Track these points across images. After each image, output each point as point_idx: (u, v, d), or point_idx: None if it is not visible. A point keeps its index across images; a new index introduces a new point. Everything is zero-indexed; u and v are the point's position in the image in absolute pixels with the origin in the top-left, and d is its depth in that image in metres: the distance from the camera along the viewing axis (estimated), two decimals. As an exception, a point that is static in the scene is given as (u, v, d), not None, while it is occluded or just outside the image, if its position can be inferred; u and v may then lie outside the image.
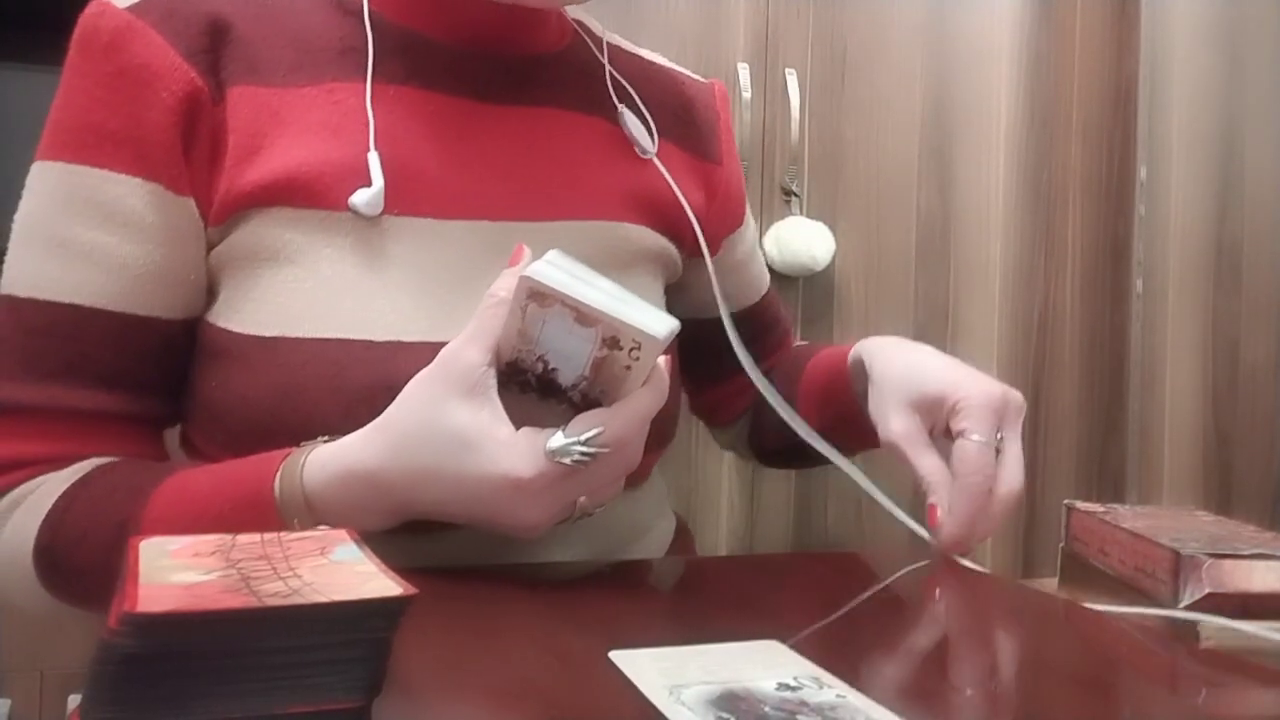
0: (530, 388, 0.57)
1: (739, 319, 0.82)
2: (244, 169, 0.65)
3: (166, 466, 0.63)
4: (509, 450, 0.54)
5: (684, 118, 0.83)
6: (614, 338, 0.53)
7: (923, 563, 0.70)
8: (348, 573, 0.40)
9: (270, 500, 0.57)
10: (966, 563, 0.69)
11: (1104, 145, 1.33)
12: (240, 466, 0.60)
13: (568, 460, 0.53)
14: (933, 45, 1.28)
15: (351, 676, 0.37)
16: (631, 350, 0.53)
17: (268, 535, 0.45)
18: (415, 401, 0.56)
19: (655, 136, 0.79)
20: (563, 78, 0.76)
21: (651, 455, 0.75)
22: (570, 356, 0.55)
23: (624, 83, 0.80)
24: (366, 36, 0.69)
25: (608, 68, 0.79)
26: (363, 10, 0.70)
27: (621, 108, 0.78)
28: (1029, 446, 1.27)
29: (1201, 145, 1.36)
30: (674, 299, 0.83)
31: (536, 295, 0.53)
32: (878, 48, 1.28)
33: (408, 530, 0.59)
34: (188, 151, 0.65)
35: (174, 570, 0.39)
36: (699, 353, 0.84)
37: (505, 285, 0.56)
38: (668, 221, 0.78)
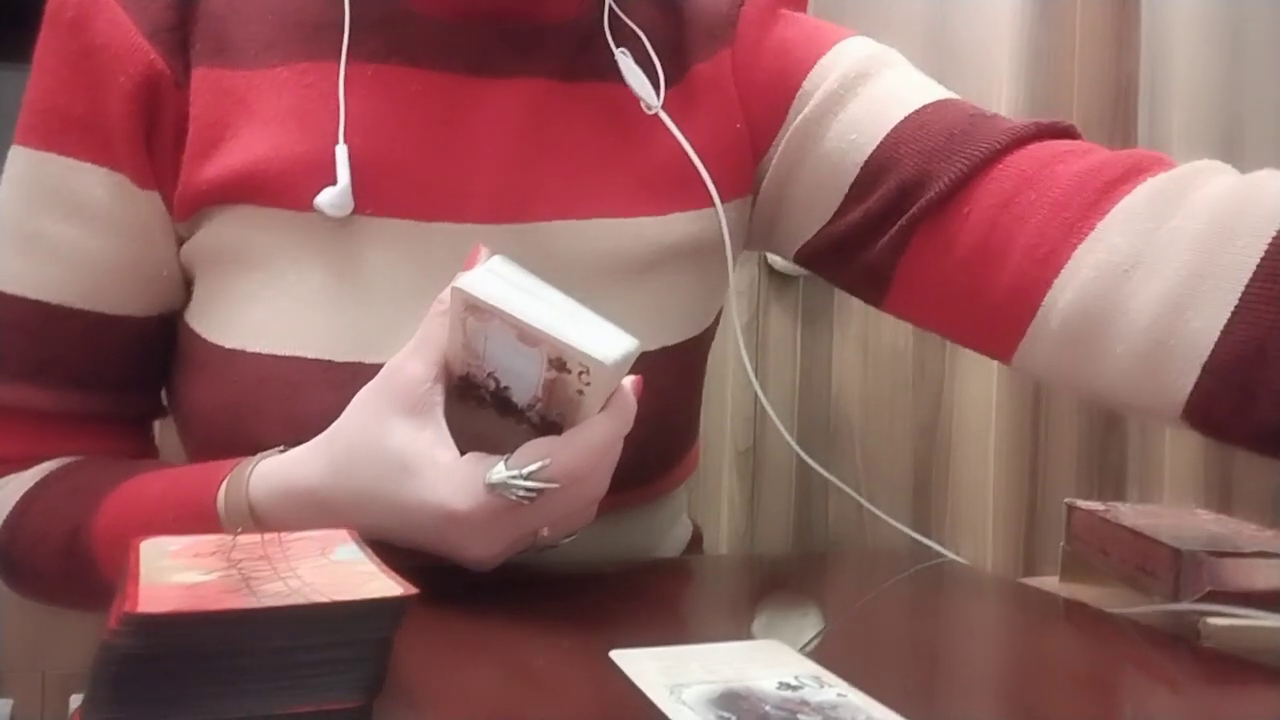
0: (487, 404, 0.52)
1: (874, 165, 0.63)
2: (203, 162, 0.60)
3: (127, 468, 0.60)
4: (446, 479, 0.49)
5: (714, 31, 0.70)
6: (560, 359, 0.48)
7: (925, 564, 0.70)
8: (348, 572, 0.40)
9: (213, 512, 0.54)
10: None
11: (1104, 143, 1.33)
12: (188, 474, 0.57)
13: (510, 495, 0.48)
14: (933, 44, 1.28)
15: (352, 676, 0.37)
16: (581, 374, 0.48)
17: (268, 535, 0.45)
18: (358, 417, 0.52)
19: (663, 83, 0.67)
20: (573, 45, 0.66)
21: (669, 475, 0.71)
22: (520, 375, 0.50)
23: (632, 25, 0.68)
24: (345, 10, 0.62)
25: (608, 4, 0.67)
26: None
27: (622, 54, 0.66)
28: (1029, 445, 1.28)
29: (1202, 143, 1.36)
30: (786, 225, 0.69)
31: (473, 309, 0.48)
32: (878, 47, 1.28)
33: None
34: (149, 141, 0.60)
35: (174, 570, 0.39)
36: (853, 254, 0.65)
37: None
38: (703, 185, 0.67)
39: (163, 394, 0.68)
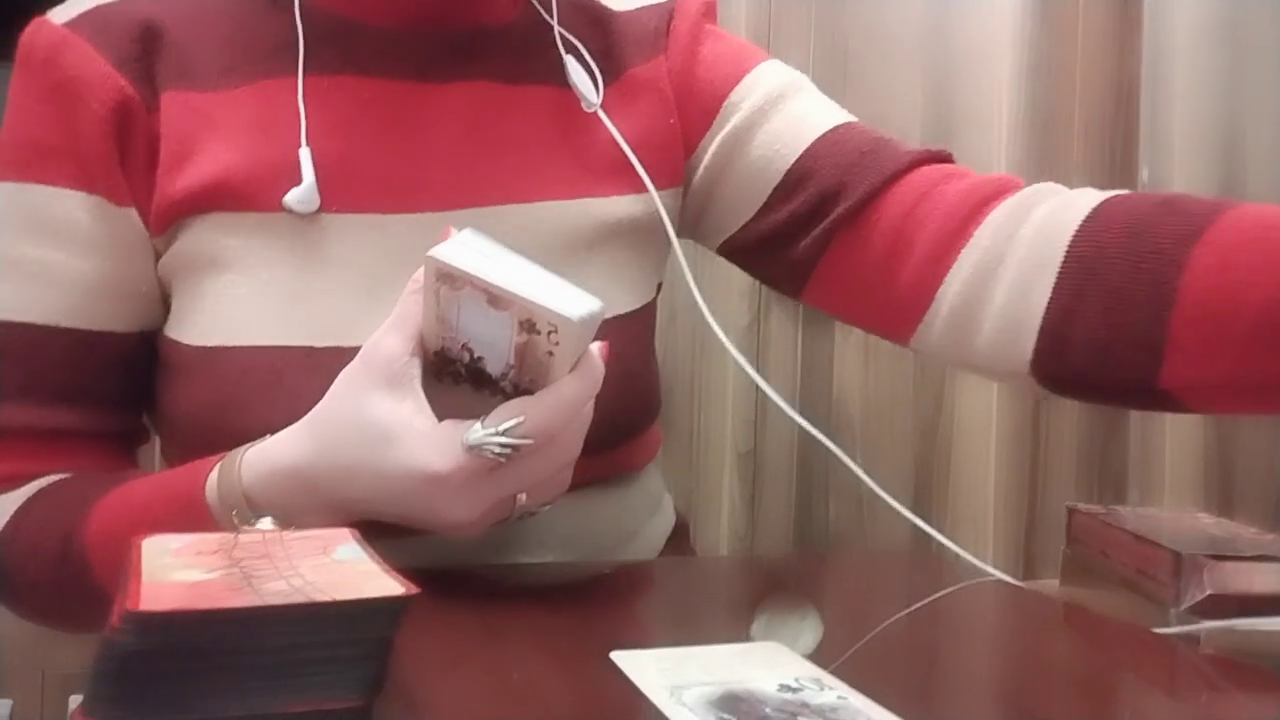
0: (462, 379, 0.54)
1: (795, 173, 0.72)
2: (175, 176, 0.64)
3: (115, 478, 0.62)
4: (425, 443, 0.51)
5: (645, 40, 0.76)
6: (529, 321, 0.50)
7: (961, 585, 0.70)
8: (350, 572, 0.40)
9: (201, 503, 0.55)
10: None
11: (1106, 146, 1.33)
12: (176, 473, 0.59)
13: (488, 453, 0.50)
14: (934, 46, 1.28)
15: (353, 675, 0.37)
16: (550, 334, 0.50)
17: (270, 534, 0.45)
18: (339, 395, 0.54)
19: (600, 85, 0.73)
20: (511, 47, 0.72)
21: (636, 444, 0.73)
22: (492, 343, 0.52)
23: (570, 37, 0.74)
24: (298, 30, 0.67)
25: (555, 16, 0.73)
26: (294, 4, 0.67)
27: (568, 58, 0.73)
28: (1030, 448, 1.28)
29: (1204, 146, 1.36)
30: (714, 218, 0.76)
31: (445, 277, 0.51)
32: (878, 48, 1.28)
33: (394, 533, 0.56)
34: (124, 161, 0.64)
35: (176, 568, 0.39)
36: (777, 250, 0.73)
37: None
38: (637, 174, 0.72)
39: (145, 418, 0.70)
